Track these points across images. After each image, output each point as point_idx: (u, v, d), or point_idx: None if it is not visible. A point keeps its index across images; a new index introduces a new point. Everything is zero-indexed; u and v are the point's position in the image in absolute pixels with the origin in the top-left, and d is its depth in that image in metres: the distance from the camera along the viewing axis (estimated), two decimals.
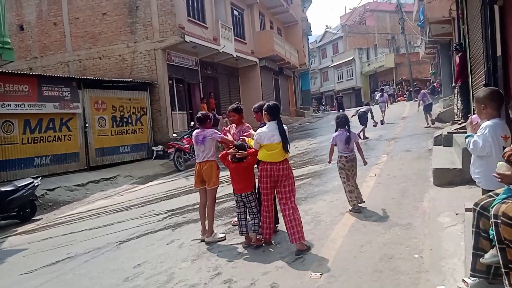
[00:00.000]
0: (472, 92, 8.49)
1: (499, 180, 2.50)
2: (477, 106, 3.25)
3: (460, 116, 10.35)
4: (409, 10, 37.07)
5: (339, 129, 6.03)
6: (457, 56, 9.94)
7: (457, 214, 4.73)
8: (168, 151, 13.62)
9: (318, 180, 8.25)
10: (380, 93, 19.74)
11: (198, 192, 5.68)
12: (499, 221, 2.34)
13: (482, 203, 2.68)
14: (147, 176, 13.00)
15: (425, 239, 4.38)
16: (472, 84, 8.51)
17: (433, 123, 14.44)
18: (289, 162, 4.97)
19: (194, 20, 17.83)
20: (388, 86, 38.15)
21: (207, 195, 5.49)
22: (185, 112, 18.07)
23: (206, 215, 5.52)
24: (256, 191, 5.21)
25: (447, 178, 6.16)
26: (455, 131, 8.68)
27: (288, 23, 32.28)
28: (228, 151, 5.06)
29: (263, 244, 4.95)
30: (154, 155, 15.25)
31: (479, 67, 7.24)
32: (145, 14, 16.38)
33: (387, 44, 52.52)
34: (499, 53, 4.84)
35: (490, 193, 2.72)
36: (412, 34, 39.28)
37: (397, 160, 9.06)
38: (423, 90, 17.72)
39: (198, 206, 5.80)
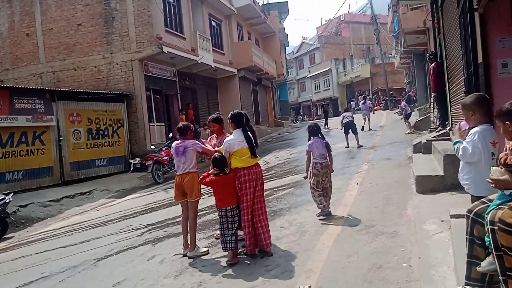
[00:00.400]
0: (450, 100, 8.61)
1: (493, 185, 2.46)
2: (465, 112, 3.23)
3: (438, 124, 10.51)
4: (383, 21, 37.88)
5: (312, 137, 6.21)
6: (431, 65, 10.10)
7: (442, 221, 4.70)
8: (146, 164, 13.32)
9: (301, 190, 8.16)
10: (363, 101, 20.00)
11: (179, 205, 5.51)
12: (496, 227, 2.28)
13: (475, 210, 2.63)
14: (124, 189, 12.66)
15: (412, 247, 4.32)
16: (449, 92, 8.63)
17: (412, 129, 15.04)
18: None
19: (171, 30, 17.68)
20: (368, 96, 38.78)
21: (189, 208, 5.31)
22: (163, 124, 17.80)
23: (188, 229, 5.34)
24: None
25: (430, 185, 6.17)
26: (434, 138, 8.78)
27: (266, 34, 32.49)
28: (209, 172, 4.95)
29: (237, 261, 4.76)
30: (132, 168, 14.90)
31: (457, 75, 7.34)
32: (121, 24, 16.15)
33: (362, 54, 53.52)
34: (480, 60, 4.89)
35: (482, 199, 2.67)
36: (387, 45, 40.14)
37: (378, 168, 9.08)
38: (403, 102, 19.25)
39: (178, 219, 5.66)
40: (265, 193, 8.03)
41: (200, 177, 5.04)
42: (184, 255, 5.28)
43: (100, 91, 15.31)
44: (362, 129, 16.88)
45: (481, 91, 4.84)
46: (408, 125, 15.49)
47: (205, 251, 5.25)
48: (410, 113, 17.05)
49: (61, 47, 16.81)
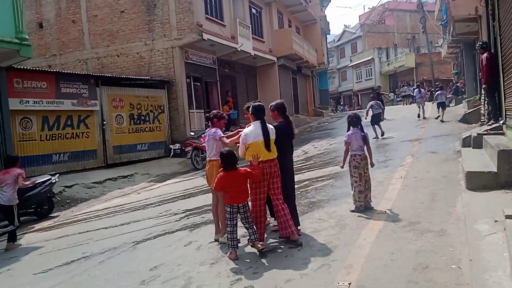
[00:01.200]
0: (505, 92, 8.06)
1: None
2: None
3: (488, 118, 9.90)
4: (430, 9, 36.23)
5: (351, 128, 6.02)
6: (483, 55, 9.47)
7: (496, 221, 4.38)
8: (186, 150, 13.48)
9: (341, 182, 7.93)
10: (417, 89, 19.87)
11: None
12: None
13: None
14: (164, 174, 12.87)
15: (462, 248, 4.05)
16: (504, 84, 8.07)
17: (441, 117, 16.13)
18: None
19: (212, 18, 17.65)
20: (407, 87, 37.62)
21: (214, 194, 5.33)
22: (203, 111, 17.89)
23: (218, 215, 5.34)
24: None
25: (481, 182, 5.79)
26: (486, 132, 8.27)
27: (307, 21, 31.90)
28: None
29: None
30: (172, 153, 15.15)
31: None
32: (162, 12, 16.27)
33: (407, 43, 51.52)
34: None
35: None
36: (433, 34, 38.42)
37: (423, 161, 8.67)
38: (438, 91, 18.34)
39: None
40: (304, 183, 7.93)
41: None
42: (216, 240, 5.29)
43: (142, 77, 15.57)
44: (418, 117, 18.03)
45: None
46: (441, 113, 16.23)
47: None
48: (444, 102, 16.88)
49: (105, 34, 17.18)
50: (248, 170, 4.74)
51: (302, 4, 28.06)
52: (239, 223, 4.78)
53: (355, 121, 6.06)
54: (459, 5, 17.08)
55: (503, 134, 7.80)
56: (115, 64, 17.05)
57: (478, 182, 5.80)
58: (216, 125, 5.53)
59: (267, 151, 4.77)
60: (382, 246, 4.40)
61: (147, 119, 15.05)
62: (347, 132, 6.04)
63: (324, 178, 8.45)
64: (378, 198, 6.19)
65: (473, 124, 12.46)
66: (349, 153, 5.95)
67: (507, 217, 4.14)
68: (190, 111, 16.79)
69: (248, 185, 4.86)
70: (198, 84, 17.85)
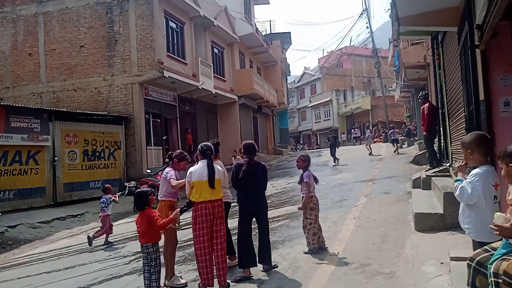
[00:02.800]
0: (450, 137, 8.50)
1: (497, 232, 2.28)
2: (464, 151, 3.08)
3: (428, 165, 10.36)
4: (384, 55, 38.36)
5: (307, 169, 6.06)
6: (424, 105, 10.03)
7: (441, 263, 4.48)
8: (141, 188, 13.07)
9: (296, 222, 7.91)
10: (368, 130, 25.11)
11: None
12: (500, 280, 2.09)
13: (477, 258, 2.44)
14: (117, 213, 12.36)
15: None
16: (450, 129, 8.53)
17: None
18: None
19: (173, 56, 17.80)
20: (357, 130, 41.34)
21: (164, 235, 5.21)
22: (161, 148, 17.66)
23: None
24: None
25: (429, 223, 5.96)
26: (434, 174, 8.61)
27: (268, 63, 32.82)
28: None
29: None
30: (126, 191, 14.65)
31: (457, 112, 7.25)
32: (124, 48, 16.26)
33: (363, 86, 53.97)
34: (482, 97, 4.79)
35: (485, 247, 2.49)
36: (387, 78, 40.47)
37: (376, 202, 8.86)
38: (391, 130, 23.08)
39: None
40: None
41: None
42: (164, 285, 5.09)
43: (99, 113, 15.26)
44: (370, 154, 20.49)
45: (482, 129, 4.72)
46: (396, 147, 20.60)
47: (182, 284, 5.06)
48: (397, 138, 21.54)
49: (63, 68, 16.88)
50: (154, 215, 4.63)
51: (263, 46, 28.94)
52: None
53: (309, 163, 6.12)
54: (410, 53, 18.23)
55: (450, 176, 8.15)
56: (72, 98, 16.67)
57: (426, 223, 5.97)
58: (175, 166, 5.46)
59: (211, 189, 4.69)
60: None
61: (102, 155, 14.63)
62: (304, 172, 6.00)
63: (280, 218, 8.42)
64: (331, 239, 6.21)
65: (424, 166, 12.96)
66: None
67: (452, 259, 4.25)
68: (148, 147, 16.51)
69: (192, 226, 4.77)
70: (158, 120, 17.70)
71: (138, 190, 4.85)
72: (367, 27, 33.41)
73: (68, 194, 13.20)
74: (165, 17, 17.45)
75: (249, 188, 5.23)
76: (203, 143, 5.05)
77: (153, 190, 5.15)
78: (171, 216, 4.75)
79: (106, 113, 15.48)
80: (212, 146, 5.02)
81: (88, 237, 8.20)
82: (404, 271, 4.62)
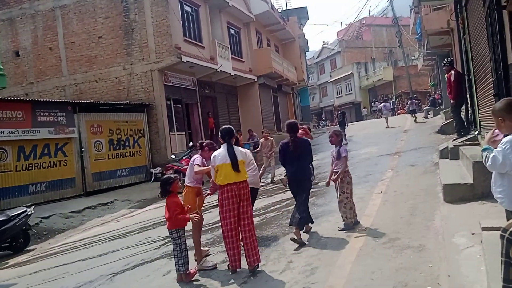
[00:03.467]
0: (478, 103, 8.21)
1: None
2: (495, 119, 2.93)
3: (455, 134, 10.09)
4: (405, 23, 37.16)
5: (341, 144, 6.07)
6: (450, 72, 9.68)
7: (473, 234, 4.37)
8: (167, 173, 13.29)
9: (322, 200, 7.90)
10: (383, 104, 24.45)
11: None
12: None
13: (511, 229, 2.35)
14: (145, 199, 12.65)
15: (440, 263, 4.02)
16: (477, 95, 8.22)
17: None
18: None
19: (190, 40, 17.73)
20: (378, 102, 40.40)
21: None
22: (184, 133, 17.81)
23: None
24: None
25: (458, 194, 5.82)
26: (462, 143, 8.37)
27: (285, 40, 32.32)
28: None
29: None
30: (153, 178, 14.93)
31: (484, 78, 6.96)
32: (141, 35, 16.29)
33: (384, 57, 52.62)
34: (510, 61, 4.56)
35: None
36: (409, 47, 39.35)
37: (403, 175, 8.71)
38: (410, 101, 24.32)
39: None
40: (285, 203, 7.87)
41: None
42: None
43: (121, 102, 15.45)
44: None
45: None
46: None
47: (211, 265, 5.18)
48: (415, 109, 21.72)
49: (83, 60, 17.09)
50: (175, 208, 4.82)
51: (280, 23, 28.47)
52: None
53: (342, 138, 6.21)
54: (432, 19, 17.57)
55: (478, 144, 7.91)
56: (94, 89, 16.92)
57: (455, 194, 5.83)
58: (205, 154, 5.53)
59: (236, 172, 4.76)
60: (363, 265, 4.35)
61: (127, 144, 14.87)
62: (337, 147, 5.89)
63: None
64: (359, 215, 6.14)
65: (450, 135, 12.63)
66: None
67: (484, 229, 4.14)
68: (171, 133, 16.67)
69: (219, 208, 4.90)
70: (179, 106, 17.80)
71: (163, 177, 4.95)
72: None
73: (97, 183, 13.53)
74: (179, 1, 17.32)
75: (296, 163, 5.71)
76: (222, 128, 5.14)
77: (177, 176, 5.18)
78: (189, 216, 4.92)
79: (128, 101, 15.66)
80: (231, 129, 5.08)
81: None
82: (434, 244, 4.55)
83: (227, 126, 5.23)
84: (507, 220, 2.82)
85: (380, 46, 54.07)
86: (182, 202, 5.14)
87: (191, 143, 15.99)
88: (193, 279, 4.89)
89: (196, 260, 5.29)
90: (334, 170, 5.92)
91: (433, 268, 3.96)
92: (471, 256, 3.90)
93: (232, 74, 20.49)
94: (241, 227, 4.79)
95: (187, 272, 4.87)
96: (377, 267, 4.20)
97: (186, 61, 16.11)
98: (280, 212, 7.45)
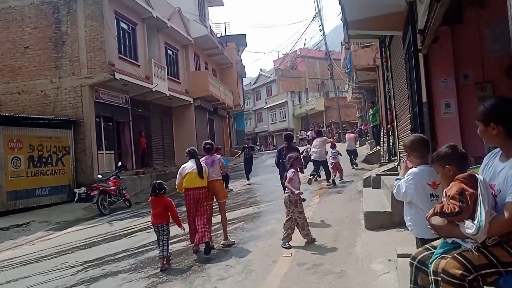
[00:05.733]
0: (398, 136, 8.82)
1: (435, 232, 2.36)
2: (405, 153, 3.23)
3: (386, 158, 10.77)
4: (337, 57, 39.33)
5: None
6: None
7: (389, 260, 4.62)
8: (92, 194, 12.62)
9: (251, 224, 7.94)
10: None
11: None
12: (439, 278, 2.16)
13: (419, 257, 2.52)
14: (66, 221, 11.85)
15: None
16: (397, 129, 8.85)
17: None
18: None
19: (125, 57, 17.33)
20: (303, 131, 42.66)
21: (220, 207, 6.75)
22: (113, 152, 17.11)
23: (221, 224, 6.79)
24: None
25: (378, 222, 6.15)
26: (383, 173, 8.91)
27: (223, 65, 32.72)
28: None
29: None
30: (76, 198, 14.06)
31: (404, 113, 7.53)
32: (72, 49, 15.61)
33: (317, 88, 55.13)
34: (424, 99, 5.00)
35: (426, 246, 2.57)
36: (340, 80, 41.57)
37: (329, 202, 9.05)
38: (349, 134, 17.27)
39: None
40: (215, 227, 7.79)
41: None
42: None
43: (45, 117, 14.54)
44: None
45: (425, 130, 4.92)
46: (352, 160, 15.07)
47: (233, 242, 6.55)
48: (355, 150, 15.94)
49: (5, 70, 15.96)
50: (173, 207, 6.09)
51: (218, 48, 28.82)
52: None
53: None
54: (360, 56, 18.83)
55: (398, 174, 8.45)
56: (16, 102, 15.79)
57: (375, 221, 6.15)
58: (217, 153, 7.33)
59: (200, 178, 6.28)
60: None
61: (49, 161, 13.93)
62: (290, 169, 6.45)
63: (235, 220, 8.40)
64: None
65: (374, 165, 13.39)
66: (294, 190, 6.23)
67: (399, 255, 4.38)
68: (99, 152, 15.93)
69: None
70: (110, 124, 17.14)
71: (157, 181, 6.13)
72: (320, 30, 34.09)
73: (12, 202, 12.45)
74: (116, 17, 16.96)
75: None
76: (189, 148, 6.76)
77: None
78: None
79: (53, 117, 14.78)
80: (195, 149, 6.73)
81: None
82: (355, 270, 4.73)
83: (191, 147, 6.81)
84: (417, 247, 3.03)
85: (314, 77, 56.59)
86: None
87: (119, 163, 15.41)
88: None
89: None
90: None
91: None
92: (387, 282, 4.10)
93: (168, 94, 20.23)
94: (197, 218, 6.28)
95: (169, 252, 5.99)
96: None
97: (120, 78, 15.65)
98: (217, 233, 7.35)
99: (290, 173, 6.33)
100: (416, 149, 3.11)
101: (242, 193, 12.34)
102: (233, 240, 6.58)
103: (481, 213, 2.06)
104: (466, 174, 2.29)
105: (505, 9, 1.43)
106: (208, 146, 6.85)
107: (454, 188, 2.22)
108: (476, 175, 2.26)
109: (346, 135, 17.74)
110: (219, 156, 6.97)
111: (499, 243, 2.12)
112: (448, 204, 2.22)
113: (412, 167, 3.31)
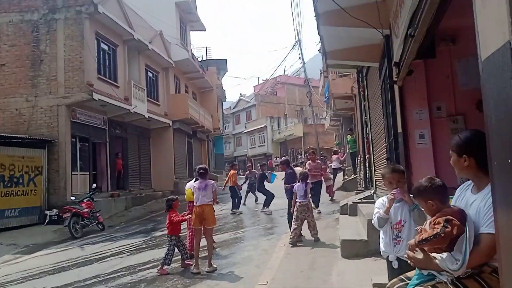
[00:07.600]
0: (374, 165, 8.96)
1: (411, 263, 2.37)
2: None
3: (363, 186, 10.90)
4: (316, 85, 40.07)
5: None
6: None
7: None
8: (64, 216, 12.24)
9: (227, 251, 7.84)
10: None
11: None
12: None
13: None
14: (35, 244, 11.42)
15: None
16: (374, 157, 9.00)
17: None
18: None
19: (104, 78, 17.21)
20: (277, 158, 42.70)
21: (207, 233, 6.73)
22: (88, 173, 16.74)
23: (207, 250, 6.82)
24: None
25: (354, 250, 6.15)
26: (359, 200, 8.98)
27: (204, 88, 32.85)
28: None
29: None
30: (47, 220, 13.62)
31: (380, 142, 7.68)
32: (50, 68, 15.42)
33: (296, 114, 55.83)
34: (399, 129, 5.13)
35: (401, 277, 2.58)
36: (318, 107, 42.23)
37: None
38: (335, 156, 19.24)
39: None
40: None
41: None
42: (198, 273, 6.36)
43: (18, 136, 14.17)
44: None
45: (400, 159, 5.02)
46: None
47: (215, 267, 6.54)
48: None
49: None
50: (172, 217, 6.90)
51: (199, 71, 28.98)
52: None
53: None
54: (338, 84, 19.24)
55: (374, 202, 8.54)
56: None
57: (351, 250, 6.15)
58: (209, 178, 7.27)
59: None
60: None
61: (20, 181, 13.50)
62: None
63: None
64: (261, 268, 6.21)
65: (351, 192, 13.50)
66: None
67: (374, 285, 4.40)
68: (73, 173, 15.56)
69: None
70: (86, 144, 16.84)
71: (169, 196, 7.42)
72: (299, 57, 34.82)
73: None
74: (96, 38, 16.92)
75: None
76: (198, 166, 7.26)
77: (177, 197, 7.59)
78: (185, 217, 7.04)
79: (27, 136, 14.43)
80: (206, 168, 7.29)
81: None
82: None
83: (201, 166, 7.21)
84: (388, 276, 3.05)
85: (293, 103, 57.36)
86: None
87: (94, 185, 15.08)
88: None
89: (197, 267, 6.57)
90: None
91: None
92: None
93: (146, 116, 20.09)
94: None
95: (169, 264, 6.69)
96: None
97: (98, 99, 15.49)
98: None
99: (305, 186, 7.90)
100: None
101: (219, 219, 12.17)
102: (215, 266, 6.62)
103: (466, 250, 2.05)
104: (457, 209, 2.25)
105: (475, 46, 1.50)
106: (202, 171, 6.95)
107: (441, 216, 2.19)
108: (466, 212, 2.22)
109: (333, 156, 20.73)
110: (212, 181, 7.05)
111: (471, 275, 2.14)
112: (433, 229, 2.18)
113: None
